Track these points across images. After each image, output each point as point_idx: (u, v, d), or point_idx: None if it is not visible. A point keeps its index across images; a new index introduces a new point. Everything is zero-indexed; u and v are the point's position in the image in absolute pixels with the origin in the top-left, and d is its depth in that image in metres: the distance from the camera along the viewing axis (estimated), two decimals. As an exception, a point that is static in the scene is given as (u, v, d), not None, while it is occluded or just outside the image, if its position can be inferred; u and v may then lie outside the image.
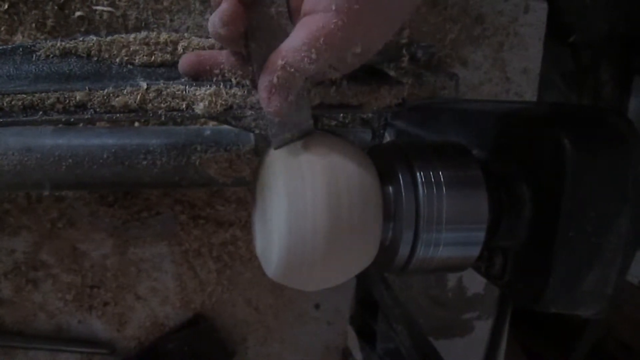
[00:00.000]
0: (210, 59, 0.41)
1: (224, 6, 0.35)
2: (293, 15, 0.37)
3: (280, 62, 0.34)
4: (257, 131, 0.42)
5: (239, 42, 0.38)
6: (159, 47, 0.43)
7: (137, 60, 0.42)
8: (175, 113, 0.40)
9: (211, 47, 0.43)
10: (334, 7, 0.33)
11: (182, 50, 0.43)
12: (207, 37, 0.44)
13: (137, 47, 0.42)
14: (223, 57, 0.41)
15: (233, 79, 0.40)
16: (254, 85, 0.39)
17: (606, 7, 1.02)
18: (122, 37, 0.42)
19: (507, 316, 0.92)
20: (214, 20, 0.35)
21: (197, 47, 0.43)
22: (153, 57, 0.42)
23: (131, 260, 0.76)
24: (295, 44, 0.34)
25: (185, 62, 0.41)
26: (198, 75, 0.41)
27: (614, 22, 1.03)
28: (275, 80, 0.35)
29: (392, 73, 0.72)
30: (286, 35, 0.35)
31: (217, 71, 0.40)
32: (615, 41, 1.06)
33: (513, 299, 0.61)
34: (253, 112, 0.40)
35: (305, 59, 0.34)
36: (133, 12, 0.67)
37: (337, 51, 0.35)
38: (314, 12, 0.34)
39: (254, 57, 0.37)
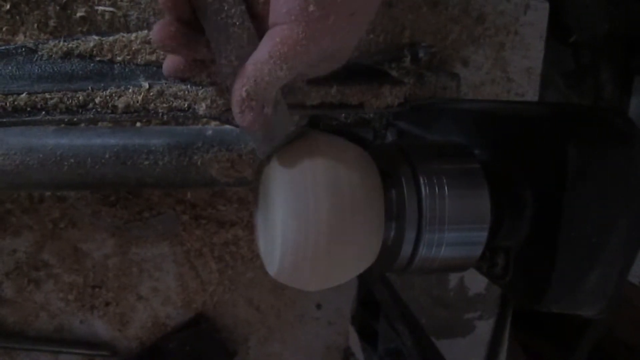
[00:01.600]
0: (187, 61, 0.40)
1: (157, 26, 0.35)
2: (258, 22, 0.36)
3: (248, 77, 0.34)
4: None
5: (195, 49, 0.37)
6: None
7: (139, 60, 0.42)
8: (177, 113, 0.40)
9: None
10: (293, 18, 0.32)
11: None
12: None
13: (139, 46, 0.42)
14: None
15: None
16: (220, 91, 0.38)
17: (606, 7, 1.02)
18: (124, 37, 0.42)
19: (508, 316, 0.92)
20: (153, 38, 0.35)
21: None
22: (155, 56, 0.42)
23: (133, 260, 0.76)
24: (262, 56, 0.34)
25: (168, 64, 0.40)
26: (182, 78, 0.41)
27: (614, 22, 1.03)
28: (245, 95, 0.34)
29: (393, 73, 0.72)
30: (251, 40, 0.35)
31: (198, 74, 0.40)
32: (615, 41, 1.06)
33: (515, 298, 0.61)
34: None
35: (273, 71, 0.33)
36: (135, 12, 0.67)
37: (304, 60, 0.34)
38: (276, 24, 0.34)
39: (219, 69, 0.37)
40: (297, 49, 0.33)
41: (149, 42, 0.43)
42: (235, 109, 0.35)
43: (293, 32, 0.33)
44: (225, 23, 0.34)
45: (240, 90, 0.34)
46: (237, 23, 0.35)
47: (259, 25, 0.36)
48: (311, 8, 0.32)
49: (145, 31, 0.43)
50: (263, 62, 0.34)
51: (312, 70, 0.38)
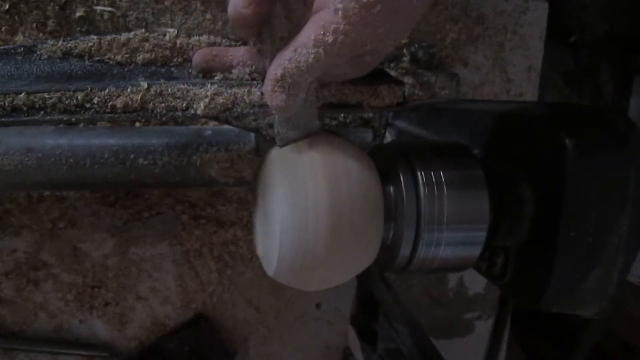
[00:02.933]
0: (222, 53, 0.41)
1: None
2: (305, 7, 0.37)
3: (287, 59, 0.34)
4: (263, 132, 0.42)
5: (254, 30, 0.38)
6: (159, 43, 0.43)
7: (137, 58, 0.42)
8: (176, 113, 0.40)
9: (211, 45, 0.43)
10: (340, 6, 0.33)
11: (179, 47, 0.43)
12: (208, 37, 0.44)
13: (137, 45, 0.42)
14: (235, 52, 0.41)
15: (245, 72, 0.40)
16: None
17: (606, 7, 1.02)
18: (122, 35, 0.42)
19: (507, 316, 0.92)
20: (237, 1, 0.35)
21: (197, 44, 0.43)
22: (153, 54, 0.42)
23: (132, 260, 0.76)
24: (303, 41, 0.34)
25: (198, 56, 0.41)
26: (210, 70, 0.41)
27: (614, 22, 1.03)
28: (279, 75, 0.35)
29: (392, 73, 0.72)
30: (299, 29, 0.35)
31: (228, 65, 0.41)
32: (615, 41, 1.06)
33: (514, 298, 0.61)
34: (254, 112, 0.41)
35: (312, 57, 0.34)
36: (134, 12, 0.67)
37: (343, 49, 0.34)
38: (321, 9, 0.34)
39: (265, 50, 0.38)
40: (339, 36, 0.33)
41: (147, 40, 0.43)
42: (267, 88, 0.35)
43: (337, 18, 0.33)
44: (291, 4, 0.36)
45: (276, 69, 0.35)
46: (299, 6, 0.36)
47: (306, 10, 0.36)
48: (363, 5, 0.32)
49: (143, 30, 0.43)
50: (303, 45, 0.34)
51: (348, 66, 0.38)
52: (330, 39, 0.33)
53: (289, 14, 0.36)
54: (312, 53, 0.33)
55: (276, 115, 0.38)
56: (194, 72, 0.42)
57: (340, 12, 0.33)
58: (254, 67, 0.41)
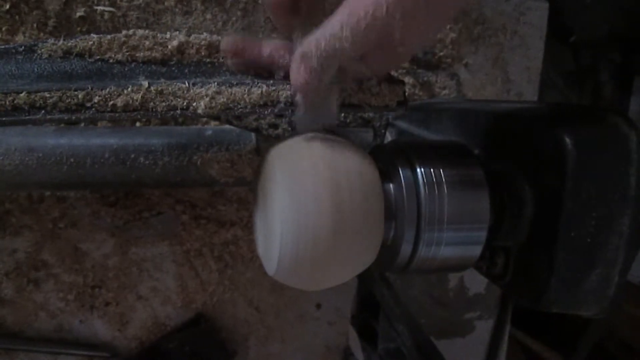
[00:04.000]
0: (251, 44, 0.42)
1: None
2: None
3: (314, 39, 0.34)
4: (264, 132, 0.42)
5: (286, 15, 0.38)
6: (159, 41, 0.43)
7: (138, 56, 0.42)
8: (176, 112, 0.40)
9: (211, 44, 0.43)
10: None
11: (178, 46, 0.43)
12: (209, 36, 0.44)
13: (137, 43, 0.42)
14: (264, 44, 0.41)
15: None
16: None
17: (606, 7, 1.02)
18: (122, 34, 0.42)
19: (508, 316, 0.92)
20: None
21: (197, 43, 0.43)
22: (153, 52, 0.42)
23: (132, 260, 0.76)
24: (332, 23, 0.34)
25: (227, 42, 0.42)
26: (237, 56, 0.42)
27: (614, 22, 1.03)
28: (305, 54, 0.35)
29: (392, 72, 0.72)
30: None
31: (257, 55, 0.41)
32: (615, 41, 1.06)
33: (514, 299, 0.61)
34: (255, 112, 0.41)
35: (339, 39, 0.34)
36: (134, 12, 0.67)
37: (371, 36, 0.34)
38: None
39: (296, 38, 0.38)
40: (367, 19, 0.33)
41: (147, 38, 0.43)
42: (293, 65, 0.36)
43: (373, 4, 0.33)
44: None
45: (303, 48, 0.35)
46: None
47: None
48: None
49: (142, 30, 0.43)
50: (331, 27, 0.34)
51: (377, 58, 0.38)
52: (357, 22, 0.33)
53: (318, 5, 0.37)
54: (339, 35, 0.34)
55: (298, 94, 0.38)
56: (227, 67, 0.43)
57: None
58: (279, 57, 0.41)
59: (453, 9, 0.37)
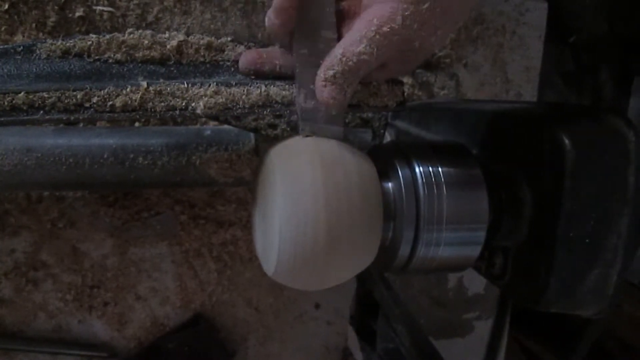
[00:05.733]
0: (269, 55, 0.42)
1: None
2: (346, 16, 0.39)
3: (338, 55, 0.35)
4: (262, 132, 0.42)
5: (286, 34, 0.39)
6: (158, 40, 0.43)
7: (136, 56, 0.42)
8: (175, 112, 0.40)
9: (209, 44, 0.43)
10: (391, 3, 0.34)
11: (177, 45, 0.43)
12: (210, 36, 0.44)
13: (136, 42, 0.42)
14: (281, 53, 0.42)
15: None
16: (294, 78, 0.40)
17: (606, 7, 1.02)
18: (121, 33, 0.42)
19: (507, 316, 0.92)
20: (269, 14, 0.38)
21: (196, 43, 0.43)
22: (151, 51, 0.42)
23: (131, 260, 0.76)
24: (354, 37, 0.35)
25: (246, 57, 0.42)
26: (257, 72, 0.42)
27: (613, 22, 1.03)
28: (332, 72, 0.36)
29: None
30: (331, 31, 0.37)
31: (273, 67, 0.42)
32: (615, 41, 1.06)
33: (513, 299, 0.61)
34: (254, 112, 0.41)
35: (364, 54, 0.35)
36: (133, 12, 0.67)
37: (393, 48, 0.35)
38: (371, 5, 0.35)
39: (295, 50, 0.39)
40: (389, 32, 0.34)
41: (145, 38, 0.43)
42: (319, 81, 0.37)
43: (387, 12, 0.34)
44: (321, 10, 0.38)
45: (327, 65, 0.36)
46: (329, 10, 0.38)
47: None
48: None
49: (141, 31, 0.43)
50: (354, 42, 0.35)
51: (396, 64, 0.38)
52: (380, 35, 0.34)
53: (318, 18, 0.38)
54: (364, 49, 0.34)
55: (327, 110, 0.39)
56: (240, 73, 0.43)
57: (395, 5, 0.34)
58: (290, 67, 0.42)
59: (466, 12, 0.38)
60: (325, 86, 0.37)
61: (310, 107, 0.40)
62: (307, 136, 0.40)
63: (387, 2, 0.34)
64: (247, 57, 0.42)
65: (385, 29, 0.34)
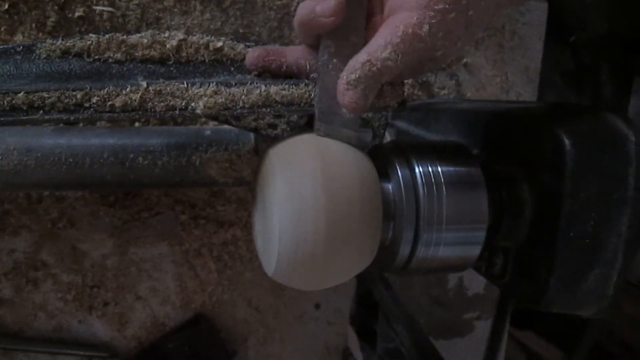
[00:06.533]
0: (276, 52, 0.42)
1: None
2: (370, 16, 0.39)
3: (361, 61, 0.36)
4: (263, 132, 0.42)
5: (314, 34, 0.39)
6: (157, 39, 0.43)
7: (136, 55, 0.42)
8: (175, 112, 0.40)
9: (210, 44, 0.43)
10: (423, 4, 0.34)
11: (177, 45, 0.43)
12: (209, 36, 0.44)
13: (136, 41, 0.42)
14: (291, 52, 0.42)
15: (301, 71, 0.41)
16: (313, 79, 0.40)
17: (606, 7, 1.02)
18: (120, 33, 0.42)
19: (507, 316, 0.92)
20: (319, 9, 0.37)
21: (196, 43, 0.43)
22: (151, 50, 0.42)
23: (131, 260, 0.76)
24: (379, 43, 0.35)
25: (253, 54, 0.42)
26: (264, 68, 0.42)
27: (614, 22, 1.03)
28: (355, 76, 0.36)
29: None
30: (360, 36, 0.37)
31: (280, 65, 0.42)
32: (615, 41, 1.06)
33: (513, 299, 0.61)
34: (254, 112, 0.41)
35: (388, 60, 0.35)
36: (133, 12, 0.67)
37: (417, 55, 0.35)
38: (397, 12, 0.35)
39: (321, 51, 0.39)
40: (414, 39, 0.34)
41: (145, 37, 0.42)
42: (341, 86, 0.37)
43: (413, 20, 0.34)
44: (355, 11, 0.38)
45: (351, 70, 0.36)
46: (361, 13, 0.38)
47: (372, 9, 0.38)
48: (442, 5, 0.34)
49: (142, 32, 0.43)
50: (379, 48, 0.35)
51: (418, 67, 0.39)
52: (406, 42, 0.34)
53: (352, 21, 0.38)
54: (388, 55, 0.35)
55: (345, 113, 0.39)
56: (251, 71, 0.43)
57: (420, 12, 0.34)
58: (309, 67, 0.41)
59: (484, 25, 0.38)
60: (347, 89, 0.37)
61: (329, 109, 0.40)
62: (320, 136, 0.40)
63: (413, 10, 0.34)
64: (254, 54, 0.42)
65: (411, 36, 0.34)
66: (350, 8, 0.38)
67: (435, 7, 0.34)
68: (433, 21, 0.34)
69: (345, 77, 0.37)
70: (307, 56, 0.41)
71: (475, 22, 0.36)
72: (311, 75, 0.41)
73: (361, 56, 0.36)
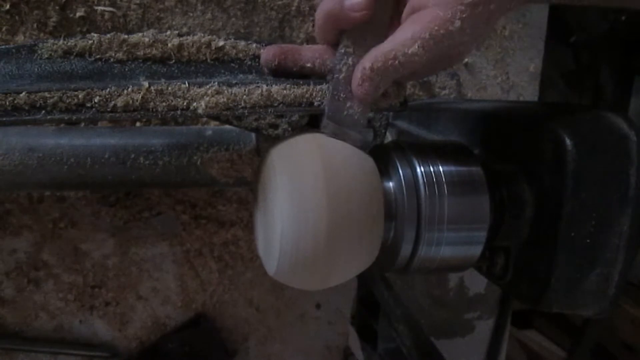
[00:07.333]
0: (292, 51, 0.42)
1: None
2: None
3: (384, 53, 0.35)
4: (264, 132, 0.42)
5: (338, 31, 0.39)
6: (159, 38, 0.43)
7: (138, 54, 0.42)
8: (176, 112, 0.40)
9: (207, 43, 0.43)
10: (446, 7, 0.33)
11: (178, 44, 0.43)
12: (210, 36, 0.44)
13: (137, 40, 0.42)
14: (307, 50, 0.42)
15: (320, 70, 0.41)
16: (331, 77, 0.40)
17: (606, 8, 1.02)
18: (122, 33, 0.42)
19: (508, 316, 0.92)
20: (347, 3, 0.36)
21: (197, 42, 0.43)
22: (153, 49, 0.42)
23: (132, 260, 0.76)
24: (403, 37, 0.35)
25: (268, 52, 0.42)
26: (279, 67, 0.42)
27: (614, 22, 1.03)
28: (375, 68, 0.36)
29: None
30: (382, 37, 0.37)
31: (295, 64, 0.41)
32: (615, 41, 1.06)
33: (515, 298, 0.61)
34: (255, 112, 0.41)
35: (411, 54, 0.34)
36: (134, 12, 0.67)
37: (440, 51, 0.35)
38: (421, 9, 0.35)
39: (340, 49, 0.39)
40: (446, 35, 0.34)
41: (147, 36, 0.42)
42: (358, 75, 0.37)
43: (446, 15, 0.34)
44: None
45: (372, 62, 0.36)
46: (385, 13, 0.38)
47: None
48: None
49: (143, 33, 0.43)
50: (402, 43, 0.35)
51: (436, 65, 0.38)
52: (434, 38, 0.34)
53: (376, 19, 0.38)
54: (412, 50, 0.34)
55: (361, 104, 0.39)
56: (265, 70, 0.43)
57: (444, 9, 0.33)
58: (328, 65, 0.41)
59: (500, 17, 0.38)
60: (363, 82, 0.37)
61: (339, 108, 0.40)
62: (327, 135, 0.40)
63: (441, 5, 0.34)
64: (269, 52, 0.42)
65: (442, 32, 0.34)
66: (378, 6, 0.37)
67: (465, 1, 0.33)
68: (464, 16, 0.33)
69: (365, 66, 0.36)
70: (322, 55, 0.41)
71: (494, 16, 0.35)
72: (327, 77, 0.41)
73: (385, 47, 0.35)
